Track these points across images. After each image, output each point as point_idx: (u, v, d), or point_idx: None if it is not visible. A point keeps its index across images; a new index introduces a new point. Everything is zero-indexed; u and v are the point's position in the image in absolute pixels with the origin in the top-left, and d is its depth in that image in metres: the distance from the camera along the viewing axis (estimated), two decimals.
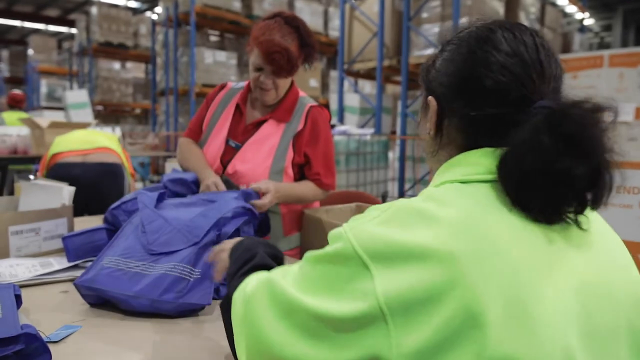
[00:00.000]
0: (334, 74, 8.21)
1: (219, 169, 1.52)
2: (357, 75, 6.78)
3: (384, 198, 5.10)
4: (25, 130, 4.18)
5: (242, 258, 0.78)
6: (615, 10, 14.60)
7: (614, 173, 0.56)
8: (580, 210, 0.56)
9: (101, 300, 1.06)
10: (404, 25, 5.21)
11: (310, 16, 8.41)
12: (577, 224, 0.57)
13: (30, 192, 1.61)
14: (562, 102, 0.58)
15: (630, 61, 2.81)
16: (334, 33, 8.61)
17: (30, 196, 1.60)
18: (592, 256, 0.58)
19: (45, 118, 4.62)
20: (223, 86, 1.68)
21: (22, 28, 18.10)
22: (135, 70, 12.27)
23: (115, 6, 10.82)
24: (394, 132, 6.26)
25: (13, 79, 13.93)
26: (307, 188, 1.54)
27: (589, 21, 15.07)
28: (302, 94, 1.63)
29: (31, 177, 1.76)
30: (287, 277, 0.61)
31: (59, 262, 1.31)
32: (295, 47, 1.46)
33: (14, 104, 5.39)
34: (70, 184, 1.63)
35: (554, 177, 0.53)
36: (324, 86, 8.95)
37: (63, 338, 0.91)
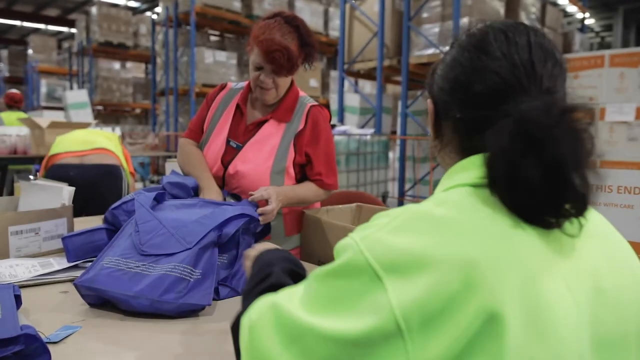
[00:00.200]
0: (334, 74, 8.20)
1: (220, 169, 1.52)
2: (358, 75, 6.78)
3: (384, 198, 5.10)
4: (25, 130, 4.17)
5: (258, 276, 0.75)
6: (616, 10, 14.61)
7: (589, 175, 0.53)
8: (576, 214, 0.54)
9: (101, 301, 1.06)
10: (404, 25, 5.21)
11: (310, 16, 8.41)
12: (574, 227, 0.55)
13: (30, 192, 1.61)
14: (534, 104, 0.55)
15: (631, 61, 2.81)
16: (334, 33, 8.61)
17: (30, 196, 1.60)
18: (602, 261, 0.57)
19: (45, 118, 4.62)
20: (223, 86, 1.68)
21: (22, 28, 18.10)
22: (135, 70, 12.27)
23: (115, 6, 10.83)
24: (394, 132, 6.26)
25: (13, 79, 13.93)
26: (308, 189, 1.54)
27: (589, 21, 15.08)
28: (302, 93, 1.62)
29: (31, 177, 1.76)
30: (293, 298, 0.57)
31: (59, 263, 1.30)
32: (296, 46, 1.46)
33: (13, 104, 5.34)
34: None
35: (521, 183, 0.52)
36: (324, 86, 8.95)
37: (63, 338, 0.90)
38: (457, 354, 0.47)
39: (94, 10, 9.85)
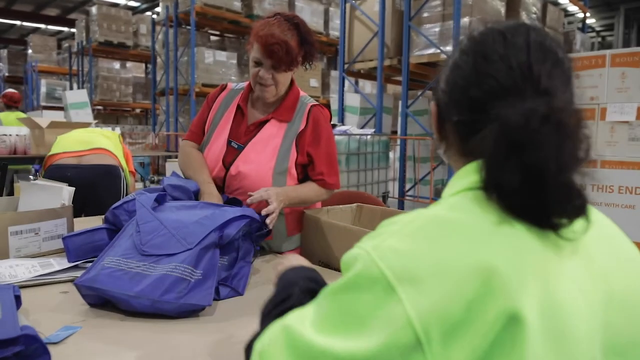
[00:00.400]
0: (334, 74, 8.20)
1: (222, 170, 1.52)
2: (358, 75, 6.77)
3: (385, 198, 5.09)
4: (24, 130, 4.16)
5: (278, 297, 0.73)
6: (617, 9, 14.60)
7: (579, 177, 0.53)
8: (570, 217, 0.53)
9: (101, 301, 1.06)
10: (404, 25, 5.21)
11: (310, 16, 8.41)
12: (578, 230, 0.54)
13: (30, 192, 1.61)
14: (518, 107, 0.53)
15: (632, 61, 2.80)
16: (335, 33, 8.61)
17: (30, 196, 1.60)
18: (612, 263, 0.57)
19: (45, 118, 4.61)
20: (224, 87, 1.67)
21: (22, 27, 18.10)
22: (135, 70, 12.28)
23: (115, 5, 10.83)
24: (394, 132, 6.26)
25: (12, 79, 13.92)
26: (310, 189, 1.53)
27: (590, 20, 15.08)
28: (302, 93, 1.62)
29: (31, 177, 1.76)
30: (305, 320, 0.55)
31: (59, 263, 1.30)
32: (295, 42, 1.46)
33: (12, 104, 5.30)
34: None
35: (507, 187, 0.52)
36: (325, 86, 8.96)
37: (63, 339, 0.90)
38: (480, 358, 0.46)
39: (94, 9, 9.85)
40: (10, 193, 4.07)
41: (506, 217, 0.53)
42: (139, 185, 7.02)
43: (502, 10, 5.37)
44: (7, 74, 13.85)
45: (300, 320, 0.55)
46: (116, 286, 1.01)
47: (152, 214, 1.18)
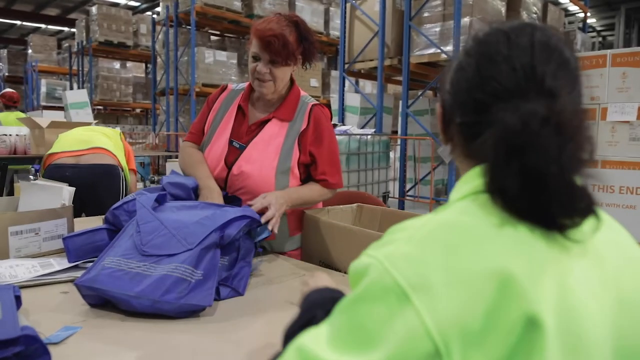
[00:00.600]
0: (334, 74, 8.21)
1: (223, 170, 1.51)
2: (358, 75, 6.78)
3: (385, 198, 5.09)
4: (24, 130, 4.16)
5: (301, 319, 0.71)
6: (618, 9, 14.60)
7: (582, 179, 0.52)
8: (574, 220, 0.52)
9: (101, 301, 1.06)
10: (405, 25, 5.21)
11: (311, 15, 8.41)
12: (587, 233, 0.53)
13: (30, 192, 1.60)
14: (519, 111, 0.52)
15: (633, 61, 2.80)
16: (335, 33, 8.61)
17: (30, 196, 1.60)
18: (622, 267, 0.56)
19: (45, 118, 4.60)
20: (224, 88, 1.67)
21: (22, 27, 18.10)
22: (136, 70, 12.28)
23: (116, 5, 10.83)
24: (395, 132, 6.26)
25: (13, 79, 13.92)
26: (312, 190, 1.53)
27: (591, 20, 15.07)
28: (303, 93, 1.62)
29: (31, 177, 1.75)
30: (319, 337, 0.53)
31: (59, 263, 1.30)
32: (294, 38, 1.46)
33: (11, 104, 5.27)
34: None
35: (509, 191, 0.51)
36: (325, 86, 8.96)
37: (63, 339, 0.90)
38: None
39: (94, 9, 9.86)
40: (10, 193, 4.06)
41: (514, 221, 0.52)
42: (139, 185, 7.02)
43: (503, 10, 5.37)
44: (7, 74, 13.85)
45: (315, 339, 0.53)
46: (116, 286, 1.01)
47: (152, 214, 1.18)
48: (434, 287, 0.47)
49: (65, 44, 13.49)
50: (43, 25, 17.60)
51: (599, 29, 17.61)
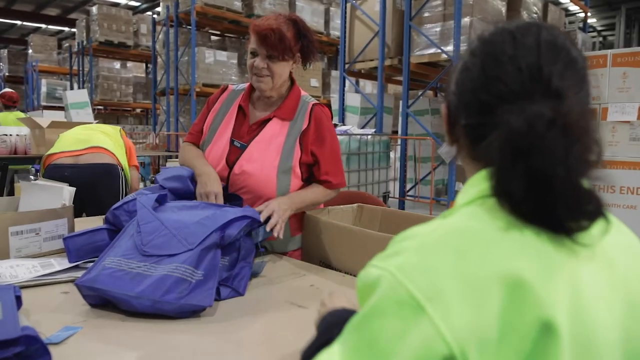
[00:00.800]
0: (335, 74, 8.20)
1: (225, 169, 1.51)
2: (359, 75, 6.78)
3: (385, 198, 5.09)
4: (25, 130, 4.16)
5: (319, 340, 0.70)
6: (618, 9, 14.59)
7: (588, 182, 0.51)
8: (583, 222, 0.51)
9: (102, 301, 1.06)
10: (405, 25, 5.20)
11: (311, 16, 8.41)
12: (597, 236, 0.52)
13: (30, 192, 1.60)
14: (525, 112, 0.51)
15: (633, 60, 2.80)
16: (335, 33, 8.61)
17: (31, 196, 1.60)
18: (631, 271, 0.56)
19: (45, 118, 4.60)
20: (224, 89, 1.68)
21: (22, 27, 18.11)
22: (136, 70, 12.28)
23: (116, 5, 10.83)
24: (395, 132, 6.26)
25: (13, 79, 13.93)
26: (315, 192, 1.53)
27: (591, 20, 15.07)
28: (303, 92, 1.62)
29: (32, 177, 1.75)
30: (332, 358, 0.51)
31: (60, 263, 1.30)
32: (291, 34, 1.46)
33: (10, 104, 5.25)
34: None
35: (515, 194, 0.51)
36: (325, 86, 8.96)
37: (64, 339, 0.90)
38: None
39: (94, 9, 9.86)
40: (11, 193, 4.07)
41: (521, 224, 0.52)
42: (139, 185, 7.02)
43: (503, 10, 5.37)
44: (7, 74, 13.86)
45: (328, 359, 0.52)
46: (117, 286, 1.01)
47: (152, 214, 1.18)
48: (447, 295, 0.47)
49: (66, 44, 13.49)
50: (43, 25, 17.61)
51: (599, 29, 17.60)
